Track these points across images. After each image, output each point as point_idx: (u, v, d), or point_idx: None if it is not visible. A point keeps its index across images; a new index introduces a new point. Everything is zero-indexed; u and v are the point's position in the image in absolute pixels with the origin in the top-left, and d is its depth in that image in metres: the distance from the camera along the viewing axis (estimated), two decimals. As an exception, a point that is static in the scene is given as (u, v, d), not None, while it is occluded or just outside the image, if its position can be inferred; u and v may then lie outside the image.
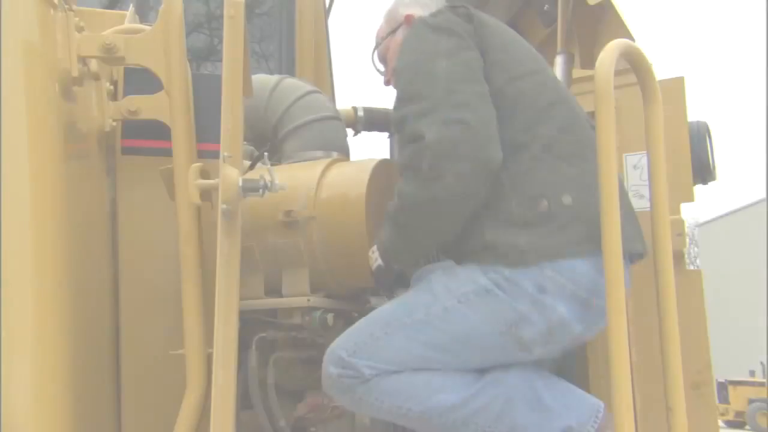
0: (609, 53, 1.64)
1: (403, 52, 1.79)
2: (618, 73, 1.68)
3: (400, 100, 1.73)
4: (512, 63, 1.75)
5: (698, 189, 2.14)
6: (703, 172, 2.11)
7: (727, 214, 26.75)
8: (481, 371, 1.68)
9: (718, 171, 2.14)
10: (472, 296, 1.63)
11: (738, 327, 24.18)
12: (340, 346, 1.68)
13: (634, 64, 1.75)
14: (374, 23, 2.15)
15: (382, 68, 2.12)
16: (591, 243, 1.60)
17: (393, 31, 2.03)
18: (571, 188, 1.64)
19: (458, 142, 1.58)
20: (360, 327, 1.72)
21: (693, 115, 2.10)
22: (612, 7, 2.18)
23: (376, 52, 2.13)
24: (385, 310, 1.74)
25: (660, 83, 1.78)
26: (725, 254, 25.70)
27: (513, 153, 1.65)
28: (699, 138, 2.10)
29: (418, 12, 1.98)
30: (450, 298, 1.65)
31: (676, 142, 2.02)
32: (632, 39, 2.11)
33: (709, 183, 2.13)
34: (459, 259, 1.71)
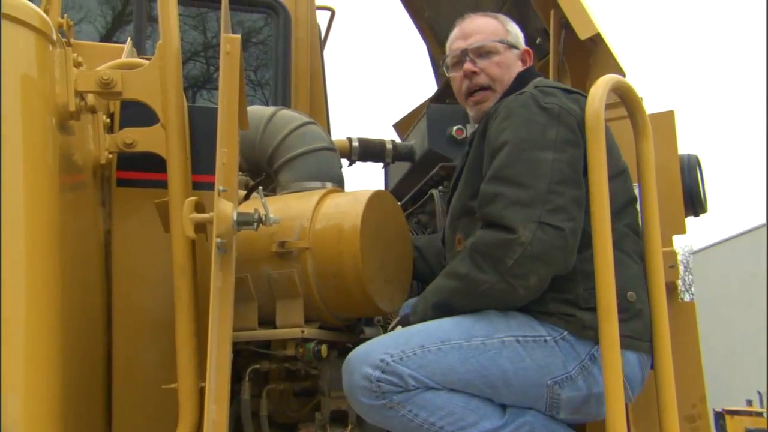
0: (599, 88, 1.67)
1: (509, 125, 1.72)
2: (609, 106, 1.71)
3: (496, 178, 1.69)
4: (611, 162, 1.73)
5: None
6: (695, 204, 2.12)
7: (723, 241, 26.79)
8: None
9: (709, 203, 2.16)
10: (531, 341, 1.66)
11: (735, 356, 24.06)
12: (381, 350, 1.64)
13: (625, 99, 1.78)
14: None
15: (470, 58, 1.95)
16: (644, 341, 1.69)
17: (510, 47, 1.98)
18: (635, 285, 1.71)
19: (552, 249, 1.60)
20: (407, 338, 1.68)
21: (683, 148, 2.13)
22: (602, 41, 2.22)
23: (475, 41, 1.96)
24: (437, 328, 1.70)
25: (650, 117, 1.81)
26: (722, 282, 25.68)
27: (587, 244, 1.66)
28: (690, 170, 2.12)
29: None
30: (509, 334, 1.66)
31: (667, 174, 2.05)
32: (622, 72, 2.15)
33: (700, 215, 2.15)
34: None
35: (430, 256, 2.29)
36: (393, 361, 1.61)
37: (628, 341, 1.64)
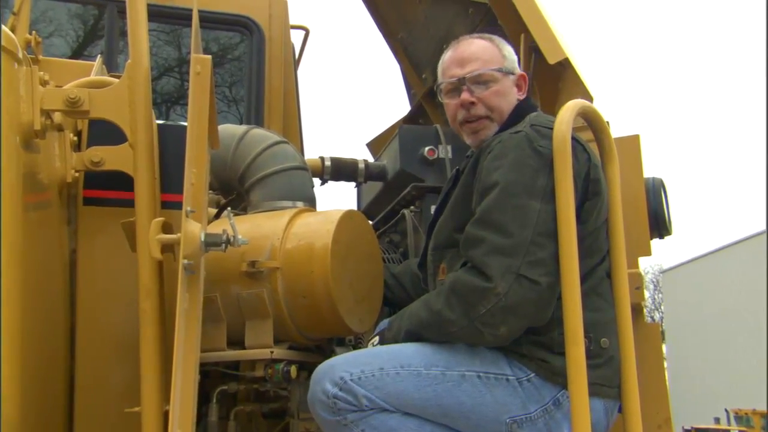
0: (567, 113, 1.70)
1: (501, 165, 1.71)
2: (576, 130, 1.74)
3: (482, 221, 1.68)
4: (603, 209, 1.77)
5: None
6: (660, 226, 2.16)
7: (694, 260, 27.22)
8: None
9: (674, 225, 2.19)
10: (492, 377, 1.67)
11: (703, 374, 24.35)
12: (343, 368, 1.66)
13: (591, 123, 1.81)
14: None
15: (467, 86, 1.90)
16: (612, 387, 1.70)
17: (506, 74, 1.93)
18: (610, 332, 1.72)
19: (525, 302, 1.61)
20: (369, 357, 1.70)
21: (649, 172, 2.18)
22: (571, 66, 2.26)
23: (473, 70, 1.90)
24: (400, 351, 1.72)
25: (616, 141, 1.85)
26: (692, 300, 26.04)
27: None
28: (654, 193, 2.16)
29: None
30: (471, 369, 1.67)
31: (633, 198, 2.08)
32: (590, 96, 2.19)
33: (665, 237, 2.19)
34: None
35: (407, 282, 2.29)
36: (351, 379, 1.64)
37: (596, 388, 1.64)
